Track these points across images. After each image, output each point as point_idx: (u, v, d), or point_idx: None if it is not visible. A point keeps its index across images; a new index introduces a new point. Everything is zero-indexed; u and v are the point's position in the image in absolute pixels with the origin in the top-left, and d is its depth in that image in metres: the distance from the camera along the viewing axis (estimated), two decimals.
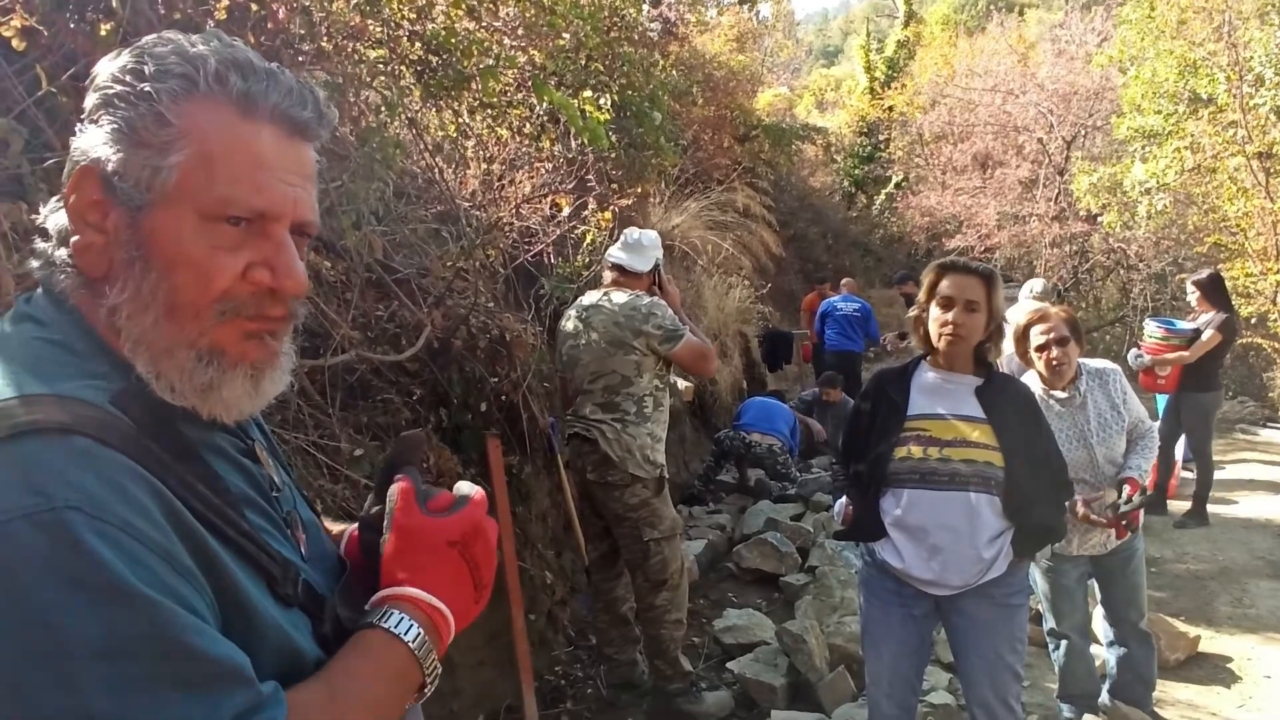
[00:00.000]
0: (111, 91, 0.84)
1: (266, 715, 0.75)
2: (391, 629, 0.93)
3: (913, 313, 2.83)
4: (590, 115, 4.00)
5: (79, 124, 0.87)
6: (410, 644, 0.93)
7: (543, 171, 5.15)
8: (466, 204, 4.39)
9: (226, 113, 0.86)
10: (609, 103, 4.22)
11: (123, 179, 0.83)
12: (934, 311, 2.71)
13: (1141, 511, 3.39)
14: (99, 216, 0.85)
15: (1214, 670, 4.28)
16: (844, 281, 11.40)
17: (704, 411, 8.60)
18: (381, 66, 3.47)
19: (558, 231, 4.90)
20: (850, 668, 3.88)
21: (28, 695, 0.66)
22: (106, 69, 0.86)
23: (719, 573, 5.61)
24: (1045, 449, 2.73)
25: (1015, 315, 5.59)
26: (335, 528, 1.20)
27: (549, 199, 4.94)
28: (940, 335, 2.68)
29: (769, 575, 5.33)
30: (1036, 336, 3.40)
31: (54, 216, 0.89)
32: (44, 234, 0.90)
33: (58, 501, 0.69)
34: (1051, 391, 3.42)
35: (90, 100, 0.86)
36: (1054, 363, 3.36)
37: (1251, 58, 9.73)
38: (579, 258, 5.11)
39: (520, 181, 5.00)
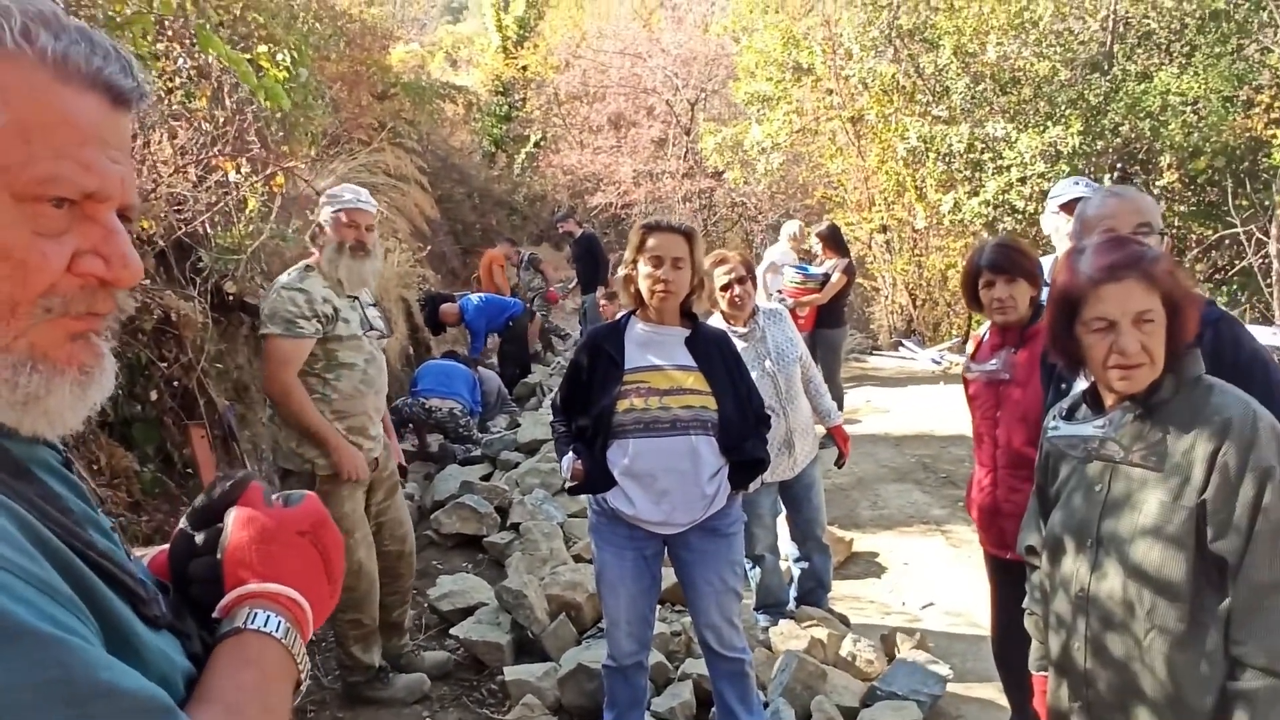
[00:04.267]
0: None
1: None
2: (262, 629, 0.85)
3: (623, 271, 2.96)
4: (266, 72, 3.65)
5: None
6: (283, 641, 0.86)
7: (180, 132, 4.63)
8: None
9: (40, 76, 0.72)
10: (287, 59, 3.86)
11: None
12: (644, 269, 2.86)
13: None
14: None
15: (866, 565, 5.02)
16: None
17: None
18: None
19: (212, 198, 4.45)
20: (569, 614, 4.03)
21: None
22: None
23: (419, 542, 5.49)
24: (747, 388, 3.01)
25: (774, 254, 6.27)
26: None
27: (202, 163, 4.46)
28: (653, 292, 2.84)
29: (471, 538, 5.34)
30: (720, 277, 3.73)
31: None
32: None
33: None
34: (734, 327, 3.76)
35: None
36: (736, 299, 3.73)
37: (842, 34, 11.12)
38: (241, 226, 4.69)
39: (160, 144, 4.46)
